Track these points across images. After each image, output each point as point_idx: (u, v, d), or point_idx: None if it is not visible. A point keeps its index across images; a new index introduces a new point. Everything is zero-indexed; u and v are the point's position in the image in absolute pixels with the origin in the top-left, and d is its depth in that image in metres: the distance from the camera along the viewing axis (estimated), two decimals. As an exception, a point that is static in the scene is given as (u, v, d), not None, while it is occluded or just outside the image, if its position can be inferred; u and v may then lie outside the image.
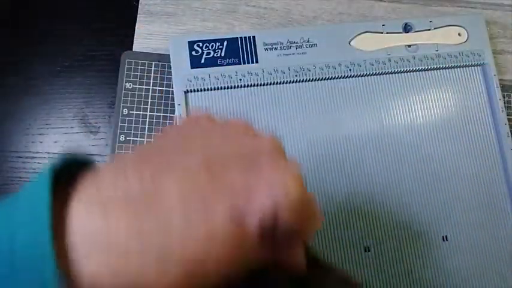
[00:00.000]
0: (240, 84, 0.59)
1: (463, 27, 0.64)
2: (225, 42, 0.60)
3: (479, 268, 0.59)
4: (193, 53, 0.59)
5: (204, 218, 0.25)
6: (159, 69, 0.62)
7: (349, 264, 0.58)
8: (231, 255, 0.26)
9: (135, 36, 0.64)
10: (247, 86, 0.59)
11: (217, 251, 0.25)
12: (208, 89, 0.59)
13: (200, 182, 0.26)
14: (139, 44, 0.64)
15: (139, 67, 0.62)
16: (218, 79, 0.58)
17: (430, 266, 0.59)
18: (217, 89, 0.59)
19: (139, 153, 0.30)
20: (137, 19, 0.65)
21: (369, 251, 0.58)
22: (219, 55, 0.59)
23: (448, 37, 0.63)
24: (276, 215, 0.27)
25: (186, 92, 0.58)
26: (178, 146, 0.30)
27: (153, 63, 0.63)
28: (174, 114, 0.60)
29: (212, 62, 0.59)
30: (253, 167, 0.28)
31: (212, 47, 0.59)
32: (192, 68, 0.59)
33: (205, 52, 0.59)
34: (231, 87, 0.59)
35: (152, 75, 0.62)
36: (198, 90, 0.59)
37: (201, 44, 0.59)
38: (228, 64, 0.59)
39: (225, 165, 0.28)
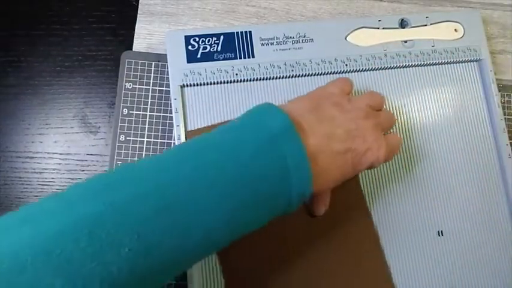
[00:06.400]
0: (236, 79, 0.59)
1: (459, 23, 0.64)
2: (222, 37, 0.60)
3: (474, 263, 0.59)
4: (190, 47, 0.59)
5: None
6: (159, 69, 0.63)
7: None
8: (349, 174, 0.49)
9: (135, 36, 0.65)
10: (244, 80, 0.59)
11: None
12: (204, 84, 0.59)
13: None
14: (139, 44, 0.65)
15: (139, 67, 0.63)
16: (214, 74, 0.59)
17: (425, 260, 0.59)
18: (214, 83, 0.59)
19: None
20: (137, 19, 0.65)
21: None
22: (215, 50, 0.59)
23: (444, 33, 0.63)
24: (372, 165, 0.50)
25: (182, 86, 0.59)
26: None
27: (153, 63, 0.63)
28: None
29: (208, 57, 0.59)
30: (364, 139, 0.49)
31: (208, 41, 0.59)
32: (188, 62, 0.59)
33: (201, 47, 0.59)
34: (227, 82, 0.59)
35: (152, 75, 0.63)
36: (194, 85, 0.59)
37: (197, 39, 0.59)
38: (224, 59, 0.59)
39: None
